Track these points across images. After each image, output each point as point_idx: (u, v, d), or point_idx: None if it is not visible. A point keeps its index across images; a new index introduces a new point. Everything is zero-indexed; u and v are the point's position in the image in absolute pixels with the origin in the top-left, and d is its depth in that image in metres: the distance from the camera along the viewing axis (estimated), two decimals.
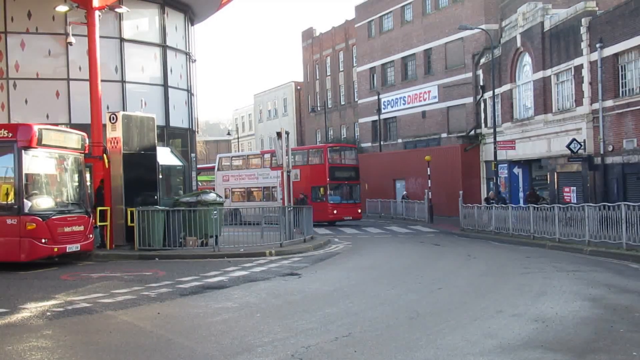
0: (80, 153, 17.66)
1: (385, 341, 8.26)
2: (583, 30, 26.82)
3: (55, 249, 15.99)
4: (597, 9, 26.94)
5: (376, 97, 47.94)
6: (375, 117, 48.06)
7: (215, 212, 19.39)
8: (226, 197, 41.70)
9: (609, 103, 25.60)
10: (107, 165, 19.33)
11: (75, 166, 17.41)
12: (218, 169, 44.62)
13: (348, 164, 38.24)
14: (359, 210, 37.50)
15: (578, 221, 21.36)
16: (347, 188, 37.53)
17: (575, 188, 28.30)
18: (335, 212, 35.73)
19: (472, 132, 38.62)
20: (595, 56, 26.15)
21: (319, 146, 40.70)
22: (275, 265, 16.56)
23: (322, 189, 36.14)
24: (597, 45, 25.82)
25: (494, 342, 8.16)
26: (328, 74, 60.26)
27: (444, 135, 41.90)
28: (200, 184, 43.98)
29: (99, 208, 18.56)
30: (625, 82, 25.08)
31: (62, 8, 21.91)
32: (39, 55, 23.72)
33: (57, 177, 17.10)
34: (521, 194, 33.07)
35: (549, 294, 11.87)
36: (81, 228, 16.89)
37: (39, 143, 15.91)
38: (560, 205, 23.46)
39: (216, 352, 7.77)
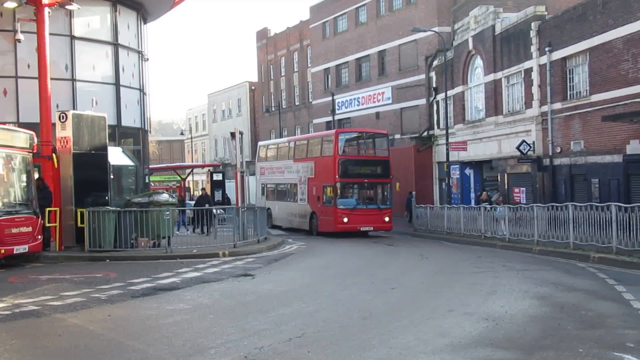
0: (29, 152, 17.26)
1: (338, 341, 8.29)
2: (533, 34, 27.38)
3: (2, 251, 15.56)
4: (546, 13, 27.52)
5: (330, 98, 48.06)
6: (330, 118, 48.18)
7: (167, 212, 19.19)
8: (262, 194, 35.85)
9: (558, 106, 26.18)
10: (56, 165, 18.92)
11: (23, 166, 17.00)
12: (258, 160, 37.42)
13: (370, 155, 30.02)
14: (387, 219, 28.22)
15: (527, 221, 21.82)
16: (370, 188, 29.11)
17: (524, 189, 28.86)
18: (345, 220, 27.29)
19: (425, 134, 39.03)
20: (544, 60, 26.71)
21: (330, 132, 32.32)
22: (229, 266, 16.45)
23: (329, 189, 27.68)
24: (546, 49, 26.38)
25: (446, 340, 8.26)
26: (282, 74, 60.22)
27: (398, 136, 42.22)
28: (152, 184, 43.44)
29: (47, 209, 18.14)
30: (573, 85, 25.68)
31: (10, 4, 21.35)
32: None
33: (4, 177, 16.63)
34: (472, 195, 33.55)
35: (499, 293, 12.09)
36: (29, 229, 16.50)
37: None
38: (510, 206, 23.93)
39: (168, 355, 7.68)
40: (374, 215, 28.05)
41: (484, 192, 29.66)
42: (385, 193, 28.85)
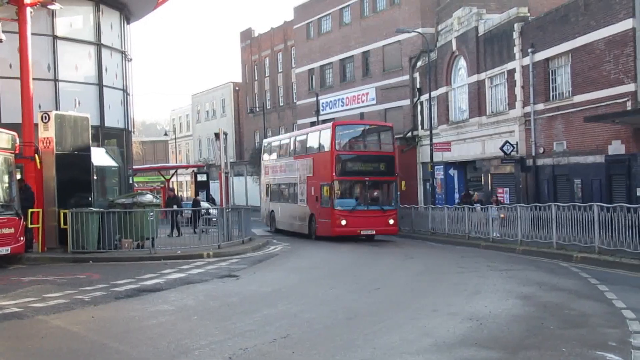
0: (11, 153, 17.15)
1: (323, 342, 8.29)
2: (515, 35, 27.53)
3: None
4: (529, 14, 27.68)
5: (315, 99, 48.04)
6: (314, 119, 48.12)
7: (151, 213, 19.10)
8: (266, 195, 33.43)
9: (540, 106, 26.34)
10: (39, 166, 18.79)
11: (5, 167, 16.88)
12: (262, 159, 34.95)
13: (373, 150, 27.16)
14: (391, 221, 25.48)
15: (511, 221, 21.94)
16: (372, 187, 26.07)
17: (508, 189, 29.00)
18: (344, 223, 24.64)
19: (409, 134, 39.12)
20: (527, 61, 26.87)
21: (327, 125, 28.68)
22: (213, 267, 16.41)
23: (326, 188, 25.27)
24: (529, 50, 26.54)
25: (430, 340, 8.29)
26: (267, 75, 60.14)
27: None
28: (136, 185, 43.17)
29: (29, 210, 18.00)
30: (555, 86, 25.85)
31: None
32: None
33: None
34: (456, 195, 33.67)
35: (483, 293, 12.15)
36: (11, 230, 16.38)
37: None
38: (494, 206, 24.04)
39: (152, 356, 7.65)
40: (376, 218, 25.20)
41: (475, 193, 29.46)
42: (390, 193, 26.18)
